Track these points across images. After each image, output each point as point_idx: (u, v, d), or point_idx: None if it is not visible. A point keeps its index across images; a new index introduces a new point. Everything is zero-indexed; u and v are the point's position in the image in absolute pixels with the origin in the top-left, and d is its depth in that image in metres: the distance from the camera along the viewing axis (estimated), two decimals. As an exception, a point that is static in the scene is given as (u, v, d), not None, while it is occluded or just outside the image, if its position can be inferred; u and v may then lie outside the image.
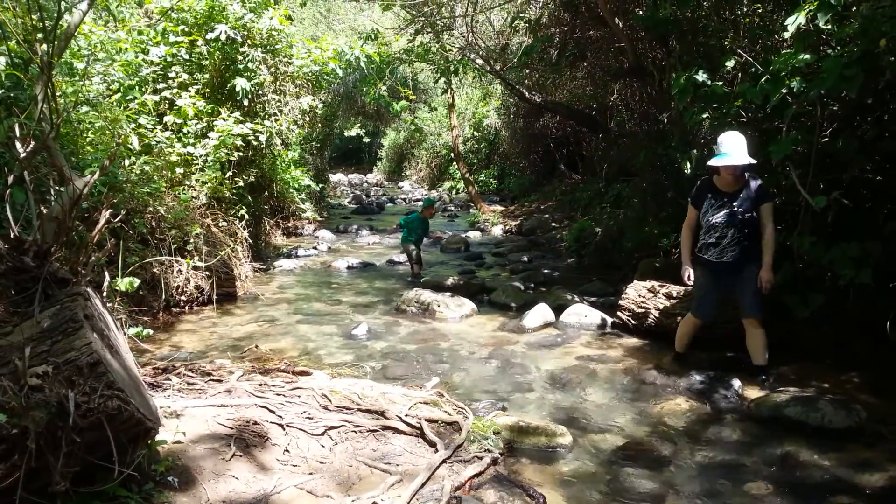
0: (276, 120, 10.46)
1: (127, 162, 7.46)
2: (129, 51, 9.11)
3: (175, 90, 9.11)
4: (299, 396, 4.21)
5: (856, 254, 4.98)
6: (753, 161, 4.89)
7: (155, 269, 7.01)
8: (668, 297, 6.45)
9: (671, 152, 8.31)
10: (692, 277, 5.40)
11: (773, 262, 4.98)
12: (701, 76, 6.19)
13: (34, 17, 4.64)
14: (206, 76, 9.74)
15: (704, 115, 6.43)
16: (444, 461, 3.58)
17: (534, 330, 6.87)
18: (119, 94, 8.61)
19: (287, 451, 3.57)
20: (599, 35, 10.34)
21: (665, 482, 3.71)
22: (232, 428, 3.65)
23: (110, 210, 3.88)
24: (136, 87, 8.90)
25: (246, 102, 9.68)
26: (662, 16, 7.57)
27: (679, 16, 7.63)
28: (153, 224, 7.32)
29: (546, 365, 5.76)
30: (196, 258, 7.43)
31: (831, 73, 4.73)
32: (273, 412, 3.91)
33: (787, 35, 5.46)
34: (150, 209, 7.32)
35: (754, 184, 5.06)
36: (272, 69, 10.39)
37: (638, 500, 3.53)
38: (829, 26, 5.12)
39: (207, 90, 9.69)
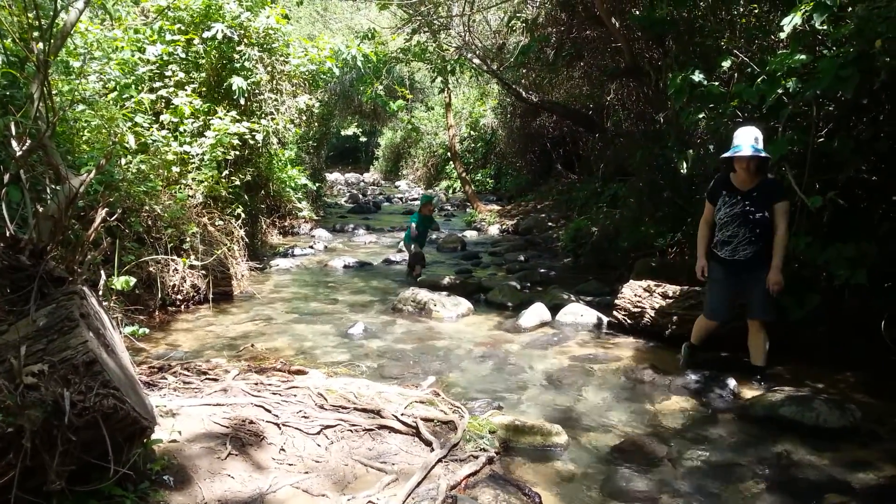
0: (273, 119, 10.44)
1: (123, 161, 7.43)
2: (126, 49, 9.08)
3: (171, 89, 9.08)
4: (295, 395, 4.21)
5: (851, 254, 4.99)
6: (763, 154, 4.86)
7: (151, 268, 6.99)
8: (664, 296, 6.46)
9: (667, 152, 8.33)
10: (706, 272, 5.40)
11: (782, 265, 4.91)
12: (697, 76, 6.21)
13: (30, 15, 4.63)
14: (203, 75, 9.72)
15: (700, 115, 6.45)
16: (439, 460, 3.58)
17: (530, 329, 6.88)
18: (115, 93, 8.59)
19: (283, 450, 3.57)
20: (596, 35, 10.36)
21: (660, 481, 3.72)
22: (228, 427, 3.64)
23: (106, 209, 3.88)
24: (133, 86, 8.88)
25: (242, 101, 9.66)
26: (659, 16, 7.59)
27: (675, 16, 7.65)
28: (149, 223, 7.31)
29: (542, 364, 5.77)
30: (192, 257, 7.42)
31: (827, 73, 4.74)
32: (269, 411, 3.91)
33: (783, 35, 5.48)
34: (147, 208, 7.30)
35: (770, 183, 5.02)
36: (269, 68, 10.38)
37: (633, 499, 3.54)
38: (825, 27, 5.14)
39: (204, 89, 9.66)
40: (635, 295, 6.67)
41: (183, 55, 9.51)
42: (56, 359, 2.52)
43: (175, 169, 8.28)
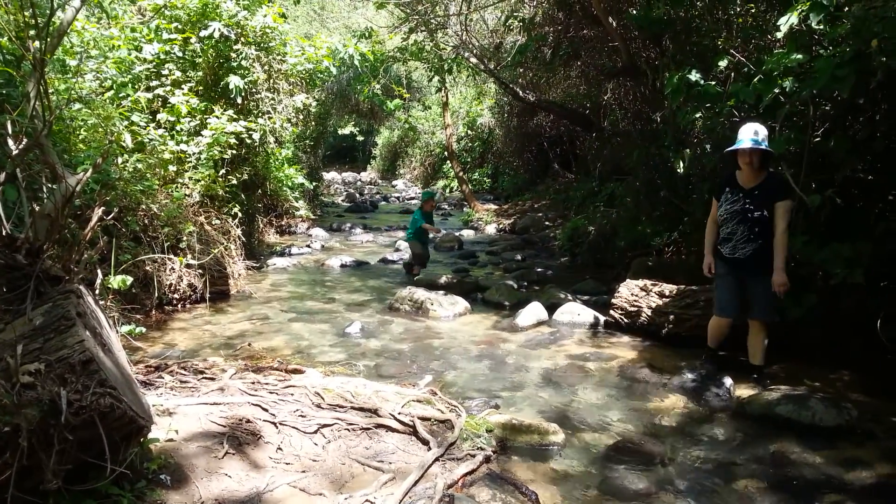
0: (270, 118, 10.44)
1: (120, 160, 7.43)
2: (122, 48, 9.08)
3: (168, 88, 9.08)
4: (292, 394, 4.21)
5: (848, 253, 5.00)
6: (764, 146, 4.85)
7: (148, 267, 6.99)
8: (661, 295, 6.47)
9: (664, 151, 8.34)
10: (713, 270, 5.40)
11: (784, 265, 4.88)
12: (694, 76, 6.22)
13: (27, 13, 4.63)
14: (200, 74, 9.72)
15: (697, 115, 6.46)
16: (436, 459, 3.58)
17: (527, 328, 6.88)
18: (112, 92, 8.58)
19: (280, 449, 3.57)
20: (593, 34, 10.36)
21: (656, 480, 3.73)
22: (225, 426, 3.64)
23: (103, 208, 3.87)
24: (129, 85, 8.87)
25: (239, 100, 9.66)
26: (656, 15, 7.59)
27: (672, 15, 7.65)
28: (146, 222, 7.30)
29: (539, 363, 5.77)
30: (189, 256, 7.41)
31: (823, 73, 4.75)
32: (266, 410, 3.91)
33: (779, 35, 5.48)
34: (143, 207, 7.29)
35: (774, 181, 5.02)
36: (266, 67, 10.38)
37: (629, 498, 3.54)
38: (822, 26, 5.14)
39: (201, 88, 9.66)
40: (632, 294, 6.68)
41: (180, 54, 9.50)
42: (53, 358, 2.52)
43: (172, 168, 8.28)
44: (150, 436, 3.11)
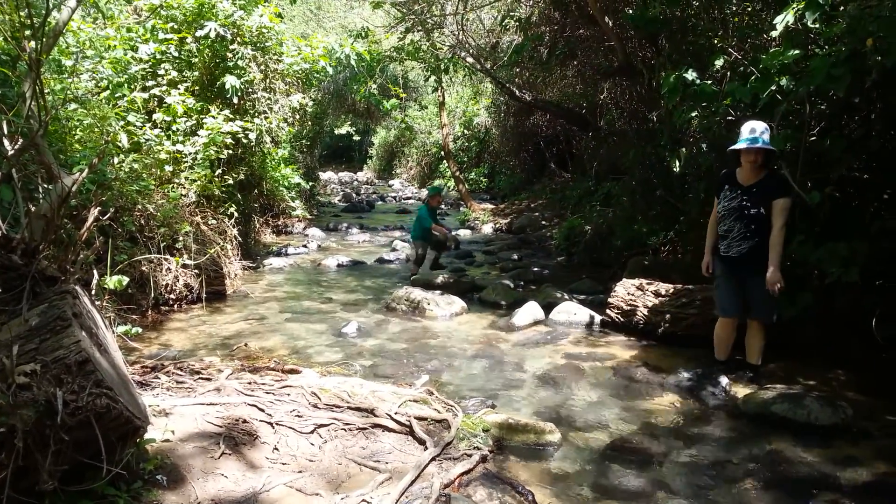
0: (266, 118, 10.43)
1: (116, 160, 7.42)
2: (118, 48, 9.07)
3: (164, 88, 9.07)
4: (289, 395, 4.21)
5: (843, 252, 5.00)
6: (767, 146, 4.85)
7: (144, 268, 6.98)
8: (657, 294, 6.48)
9: (660, 151, 8.35)
10: (710, 269, 5.40)
11: (779, 263, 4.84)
12: (690, 75, 6.22)
13: (22, 13, 4.62)
14: (196, 74, 9.71)
15: (693, 114, 6.47)
16: (433, 459, 3.58)
17: (523, 328, 6.89)
18: (108, 92, 8.57)
19: (276, 449, 3.57)
20: (589, 34, 10.37)
21: (653, 479, 3.73)
22: (221, 426, 3.64)
23: (99, 208, 3.87)
24: (125, 85, 8.86)
25: (235, 100, 9.65)
26: (652, 15, 7.60)
27: (668, 15, 7.66)
28: (142, 222, 7.29)
29: (535, 363, 5.78)
30: (185, 256, 7.41)
31: (819, 72, 4.76)
32: (262, 410, 3.91)
33: (775, 34, 5.48)
34: (139, 207, 7.28)
35: (773, 179, 5.01)
36: (262, 67, 10.37)
37: (625, 497, 3.55)
38: (817, 25, 5.15)
39: (197, 88, 9.65)
40: (628, 293, 6.69)
41: (176, 54, 9.49)
42: (48, 358, 2.52)
43: (168, 168, 8.27)
44: (147, 436, 3.11)
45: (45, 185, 4.20)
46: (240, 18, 9.57)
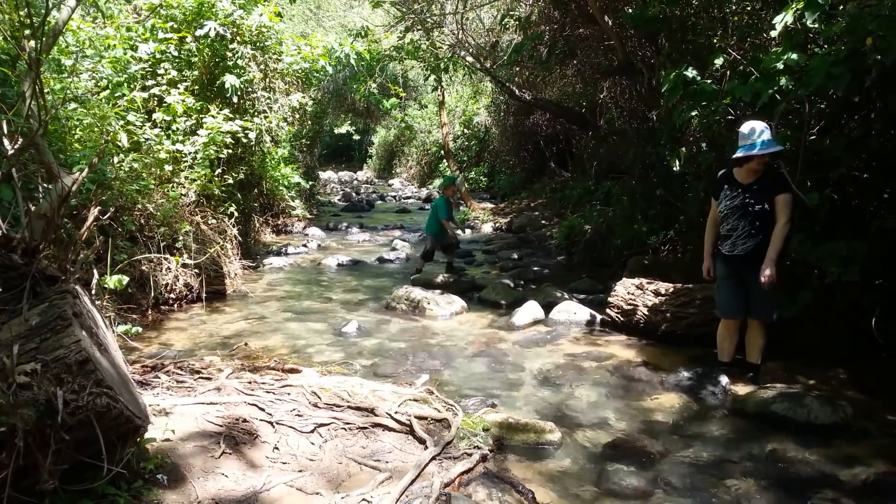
0: (266, 117, 10.44)
1: (116, 159, 7.42)
2: (118, 47, 9.07)
3: (164, 87, 9.07)
4: (289, 394, 4.21)
5: (843, 252, 5.00)
6: (776, 149, 4.82)
7: (144, 267, 6.98)
8: (657, 293, 6.48)
9: (660, 150, 8.36)
10: (711, 272, 5.38)
11: (776, 257, 4.81)
12: (690, 74, 6.22)
13: (22, 13, 4.62)
14: (196, 73, 9.71)
15: (693, 113, 6.46)
16: (433, 458, 3.58)
17: (523, 327, 6.89)
18: (107, 91, 8.57)
19: (277, 448, 3.57)
20: (589, 33, 10.38)
21: (653, 478, 3.74)
22: (221, 425, 3.64)
23: (99, 207, 3.87)
24: (125, 84, 8.87)
25: (235, 99, 9.66)
26: (652, 14, 7.60)
27: (668, 14, 7.66)
28: (142, 221, 7.29)
29: (535, 362, 5.78)
30: (185, 256, 7.41)
31: (819, 71, 4.76)
32: (263, 410, 3.91)
33: (774, 34, 5.48)
34: (139, 206, 7.28)
35: (773, 175, 4.98)
36: (262, 66, 10.37)
37: (626, 496, 3.55)
38: (817, 25, 5.15)
39: (196, 87, 9.65)
40: (628, 293, 6.69)
41: (175, 53, 9.50)
42: (49, 357, 2.52)
43: (168, 167, 8.27)
44: (147, 435, 3.11)
45: (46, 185, 4.20)
46: (239, 18, 9.58)
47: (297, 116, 12.61)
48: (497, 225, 15.70)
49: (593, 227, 10.67)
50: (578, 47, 10.77)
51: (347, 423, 3.91)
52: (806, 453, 4.02)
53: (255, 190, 11.75)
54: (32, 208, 3.39)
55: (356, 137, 39.03)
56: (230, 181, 9.40)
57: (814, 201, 5.08)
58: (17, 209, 3.66)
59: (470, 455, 3.68)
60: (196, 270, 7.63)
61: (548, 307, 7.30)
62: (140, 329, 5.69)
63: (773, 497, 3.54)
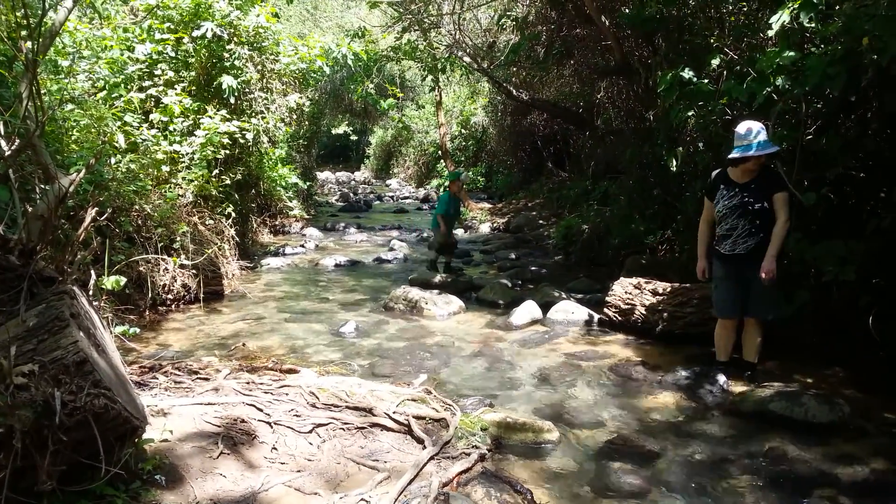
0: (263, 118, 10.43)
1: (113, 160, 7.41)
2: (115, 48, 9.06)
3: (161, 88, 9.06)
4: (287, 394, 4.21)
5: (840, 251, 5.01)
6: (772, 150, 4.81)
7: (141, 268, 6.97)
8: (654, 293, 6.49)
9: (657, 150, 8.36)
10: (707, 273, 5.37)
11: (777, 254, 4.81)
12: (687, 74, 6.23)
13: (19, 13, 4.61)
14: (193, 74, 9.70)
15: (690, 113, 6.47)
16: (431, 458, 3.59)
17: (521, 327, 6.89)
18: (104, 92, 8.57)
19: (275, 448, 3.57)
20: (586, 33, 10.39)
21: (651, 477, 3.74)
22: (219, 426, 3.64)
23: (96, 208, 3.87)
24: (122, 85, 8.86)
25: (232, 100, 9.65)
26: (648, 14, 7.62)
27: (665, 14, 7.68)
28: (139, 222, 7.28)
29: (533, 362, 5.78)
30: (183, 256, 7.40)
31: (815, 71, 4.77)
32: (261, 410, 3.91)
33: (771, 33, 5.49)
34: (137, 207, 7.28)
35: (769, 173, 4.98)
36: (259, 67, 10.37)
37: (624, 495, 3.55)
38: (813, 25, 5.16)
39: (194, 88, 9.64)
40: (625, 292, 6.70)
41: (172, 54, 9.49)
42: (46, 359, 2.52)
43: (165, 168, 8.26)
44: (145, 436, 3.11)
45: (43, 186, 4.19)
46: (236, 18, 9.57)
47: (295, 117, 12.61)
48: (495, 225, 15.71)
49: (591, 226, 10.68)
50: (575, 47, 10.79)
51: (346, 423, 3.91)
52: (803, 452, 4.03)
53: (253, 190, 11.74)
54: (29, 209, 3.39)
55: (353, 138, 39.03)
56: (227, 182, 9.39)
57: (810, 201, 5.09)
58: (14, 210, 3.66)
59: (468, 455, 3.69)
60: (194, 271, 7.62)
61: (545, 307, 7.30)
62: (138, 330, 5.69)
63: (770, 495, 3.55)
